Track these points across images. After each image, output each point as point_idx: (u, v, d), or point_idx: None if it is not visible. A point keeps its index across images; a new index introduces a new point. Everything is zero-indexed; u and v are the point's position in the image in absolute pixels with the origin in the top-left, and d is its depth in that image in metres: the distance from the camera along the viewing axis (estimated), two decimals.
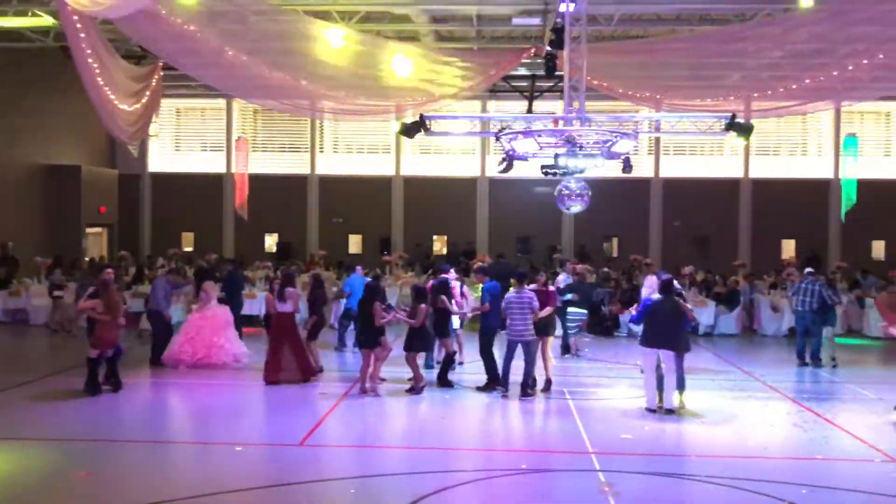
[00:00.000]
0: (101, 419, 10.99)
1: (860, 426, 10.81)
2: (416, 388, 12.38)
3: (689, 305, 12.05)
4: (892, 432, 10.58)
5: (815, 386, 13.93)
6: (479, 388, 12.77)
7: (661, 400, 11.52)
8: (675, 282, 12.41)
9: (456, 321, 14.02)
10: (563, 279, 16.58)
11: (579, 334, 16.30)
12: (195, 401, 12.58)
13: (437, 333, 13.27)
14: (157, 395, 12.99)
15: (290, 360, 12.98)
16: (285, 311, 13.01)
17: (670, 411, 11.36)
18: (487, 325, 13.05)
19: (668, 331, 11.37)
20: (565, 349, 15.99)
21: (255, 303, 18.80)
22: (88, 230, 25.87)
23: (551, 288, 13.54)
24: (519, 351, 12.20)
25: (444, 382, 12.95)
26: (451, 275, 14.38)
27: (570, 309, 15.66)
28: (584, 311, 16.06)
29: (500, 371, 12.58)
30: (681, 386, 11.68)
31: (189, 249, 27.55)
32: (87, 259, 23.71)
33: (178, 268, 19.38)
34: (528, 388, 12.24)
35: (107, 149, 27.90)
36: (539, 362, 12.75)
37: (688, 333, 11.95)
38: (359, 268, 16.55)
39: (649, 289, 13.50)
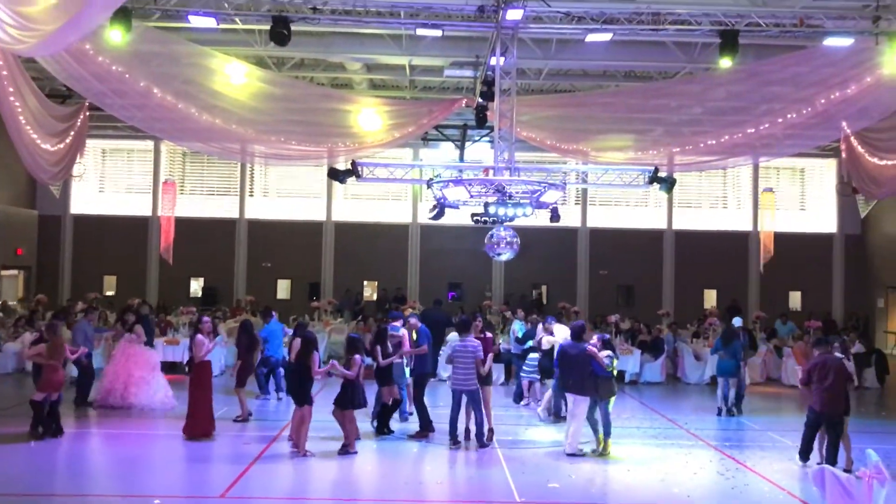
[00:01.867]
0: (17, 471, 10.45)
1: (778, 473, 11.09)
2: (348, 450, 11.50)
3: (596, 350, 11.98)
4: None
5: (735, 434, 14.22)
6: (410, 437, 12.68)
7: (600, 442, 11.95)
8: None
9: (408, 371, 13.72)
10: (519, 327, 16.70)
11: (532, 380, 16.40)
12: (117, 450, 12.08)
13: (378, 382, 12.78)
14: (77, 445, 12.33)
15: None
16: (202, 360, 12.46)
17: (573, 455, 11.64)
18: (421, 368, 12.98)
19: (577, 376, 11.68)
20: (519, 397, 16.03)
21: (178, 349, 18.38)
22: (4, 272, 24.92)
23: (489, 335, 13.61)
24: (465, 400, 12.08)
25: (381, 430, 12.78)
26: (398, 323, 13.61)
27: (529, 355, 15.76)
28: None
29: (430, 418, 12.70)
30: (606, 432, 11.93)
31: (111, 293, 26.79)
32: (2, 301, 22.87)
33: (98, 309, 18.86)
34: (483, 437, 12.14)
35: (27, 188, 27.02)
36: None
37: (607, 379, 11.88)
38: (274, 313, 16.40)
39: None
